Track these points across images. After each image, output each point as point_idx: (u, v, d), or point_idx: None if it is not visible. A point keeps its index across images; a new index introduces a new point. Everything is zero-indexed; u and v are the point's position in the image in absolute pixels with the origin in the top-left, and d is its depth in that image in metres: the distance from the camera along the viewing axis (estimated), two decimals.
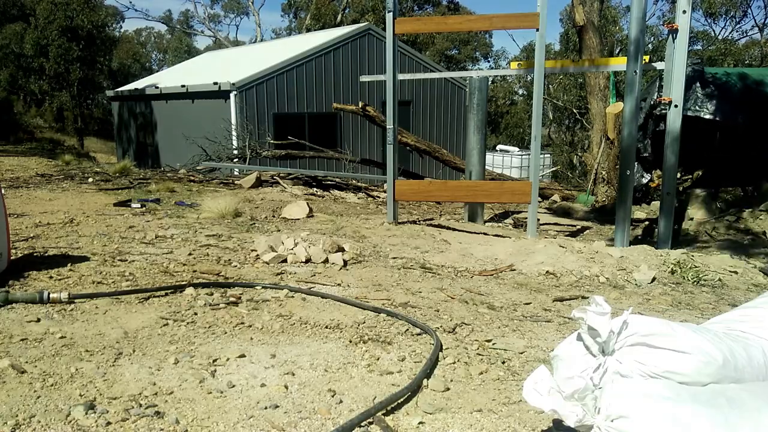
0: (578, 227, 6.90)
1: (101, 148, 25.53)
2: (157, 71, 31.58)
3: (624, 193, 4.76)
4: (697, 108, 6.46)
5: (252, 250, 3.75)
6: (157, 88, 17.40)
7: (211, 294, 2.87)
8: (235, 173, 9.70)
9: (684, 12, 4.60)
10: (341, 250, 3.80)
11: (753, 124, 6.54)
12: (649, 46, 23.08)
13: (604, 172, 9.51)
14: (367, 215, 5.94)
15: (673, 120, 4.70)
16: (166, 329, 2.39)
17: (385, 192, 7.18)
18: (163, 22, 44.65)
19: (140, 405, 1.77)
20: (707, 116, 6.47)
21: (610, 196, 9.02)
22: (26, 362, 2.02)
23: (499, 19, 5.17)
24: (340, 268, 3.50)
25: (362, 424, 1.71)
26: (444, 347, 2.33)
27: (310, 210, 5.44)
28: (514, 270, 3.71)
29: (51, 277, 2.99)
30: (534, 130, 4.90)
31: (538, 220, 6.18)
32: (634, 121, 4.70)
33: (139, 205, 5.37)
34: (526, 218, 5.42)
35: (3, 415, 1.68)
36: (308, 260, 3.57)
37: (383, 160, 7.11)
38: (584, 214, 7.97)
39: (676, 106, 4.67)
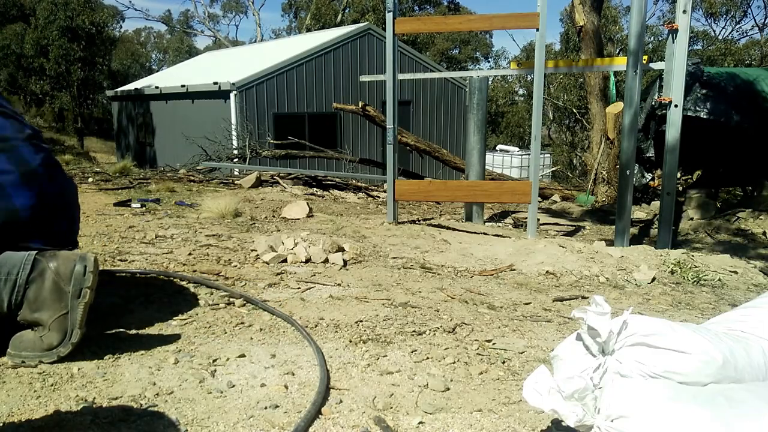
0: (578, 227, 6.91)
1: (101, 148, 25.54)
2: (157, 71, 31.60)
3: (624, 193, 4.76)
4: (697, 108, 6.45)
5: (252, 250, 3.75)
6: (157, 88, 17.41)
7: (211, 294, 2.87)
8: (235, 173, 9.71)
9: (684, 12, 4.60)
10: (341, 250, 3.80)
11: (753, 124, 6.54)
12: (649, 46, 23.10)
13: (604, 172, 9.52)
14: (367, 215, 5.94)
15: (674, 120, 4.70)
16: (166, 329, 2.39)
17: (385, 192, 7.18)
18: (163, 22, 44.76)
19: (140, 405, 1.77)
20: (707, 116, 6.46)
21: (610, 196, 9.03)
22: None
23: (499, 19, 5.17)
24: (340, 268, 3.51)
25: (361, 424, 1.71)
26: (444, 347, 2.33)
27: (310, 210, 5.44)
28: (514, 270, 3.71)
29: None
30: (534, 130, 4.90)
31: (538, 219, 6.19)
32: (635, 121, 4.70)
33: (139, 205, 5.38)
34: (526, 218, 5.42)
35: (2, 414, 1.68)
36: (308, 260, 3.58)
37: (383, 160, 7.11)
38: (584, 214, 7.97)
39: (676, 106, 4.68)
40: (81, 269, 1.95)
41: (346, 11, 30.47)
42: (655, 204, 7.82)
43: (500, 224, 6.54)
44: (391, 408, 1.82)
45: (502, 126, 29.68)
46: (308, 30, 27.30)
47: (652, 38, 25.18)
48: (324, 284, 3.15)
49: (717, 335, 1.46)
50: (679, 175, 6.70)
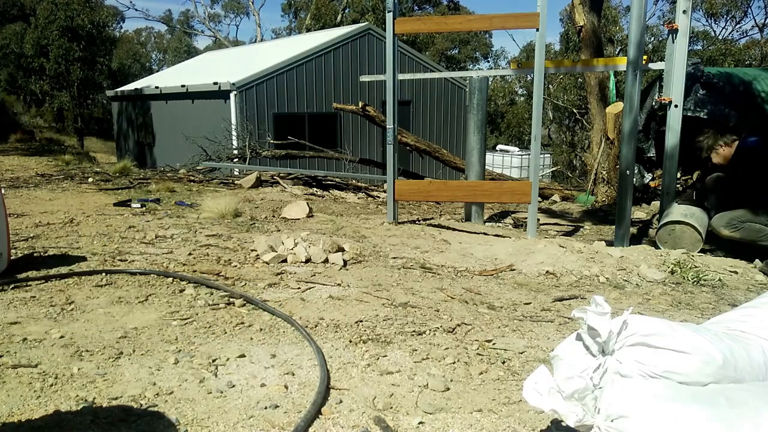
0: (578, 227, 6.90)
1: (101, 148, 25.54)
2: (157, 71, 31.59)
3: (624, 193, 4.76)
4: (696, 108, 6.45)
5: (252, 250, 3.75)
6: (157, 88, 17.40)
7: (211, 294, 2.87)
8: (235, 173, 9.70)
9: (684, 12, 4.60)
10: (341, 250, 3.80)
11: (751, 124, 6.53)
12: (649, 46, 23.09)
13: (604, 172, 9.51)
14: (367, 215, 5.94)
15: (673, 120, 4.70)
16: (166, 329, 2.40)
17: (385, 192, 7.18)
18: (163, 22, 44.80)
19: (140, 405, 1.77)
20: (706, 116, 6.45)
21: (610, 196, 9.02)
22: (26, 362, 2.02)
23: (499, 19, 5.17)
24: (340, 268, 3.51)
25: (361, 424, 1.71)
26: (444, 347, 2.33)
27: (310, 210, 5.44)
28: (514, 270, 3.71)
29: (50, 278, 2.99)
30: (534, 130, 4.90)
31: (538, 220, 6.18)
32: (634, 124, 4.70)
33: (139, 205, 5.38)
34: (526, 218, 5.42)
35: (2, 414, 1.68)
36: (308, 260, 3.58)
37: (383, 160, 7.11)
38: (584, 214, 7.97)
39: (676, 106, 4.68)
40: None
41: (346, 11, 30.47)
42: (655, 204, 7.81)
43: (500, 224, 6.54)
44: (391, 408, 1.82)
45: (502, 126, 29.67)
46: (308, 30, 27.31)
47: (652, 38, 25.19)
48: (324, 284, 3.15)
49: (717, 335, 1.46)
50: (679, 175, 6.69)
